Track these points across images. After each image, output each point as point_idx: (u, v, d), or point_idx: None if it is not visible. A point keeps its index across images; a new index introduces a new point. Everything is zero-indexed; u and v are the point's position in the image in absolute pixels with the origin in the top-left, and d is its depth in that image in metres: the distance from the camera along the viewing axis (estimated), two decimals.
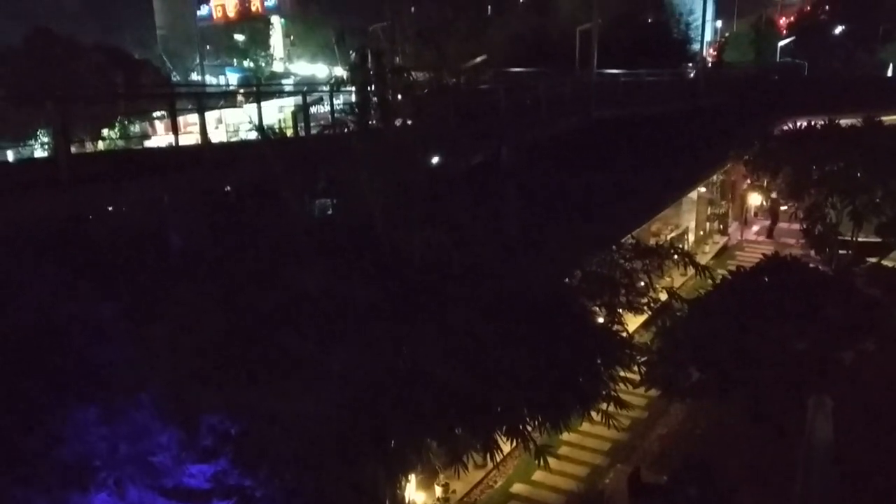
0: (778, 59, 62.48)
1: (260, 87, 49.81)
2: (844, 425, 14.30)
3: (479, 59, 37.58)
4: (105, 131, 34.25)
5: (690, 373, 15.25)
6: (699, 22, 46.45)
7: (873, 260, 21.77)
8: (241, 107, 34.44)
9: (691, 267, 15.65)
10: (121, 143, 33.39)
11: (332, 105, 20.16)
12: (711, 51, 68.99)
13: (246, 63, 72.28)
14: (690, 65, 48.28)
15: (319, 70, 69.51)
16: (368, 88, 14.61)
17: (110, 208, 15.17)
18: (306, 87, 35.25)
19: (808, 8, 78.32)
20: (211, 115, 28.83)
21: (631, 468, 16.93)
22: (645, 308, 14.72)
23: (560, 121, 27.71)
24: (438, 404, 10.82)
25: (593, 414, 12.99)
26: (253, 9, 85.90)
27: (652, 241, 21.30)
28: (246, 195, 15.40)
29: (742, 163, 33.21)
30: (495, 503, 17.08)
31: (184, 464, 10.37)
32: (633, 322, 16.23)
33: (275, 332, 11.00)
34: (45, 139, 28.69)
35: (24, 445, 9.75)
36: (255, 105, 22.91)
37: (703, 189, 34.51)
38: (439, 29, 45.18)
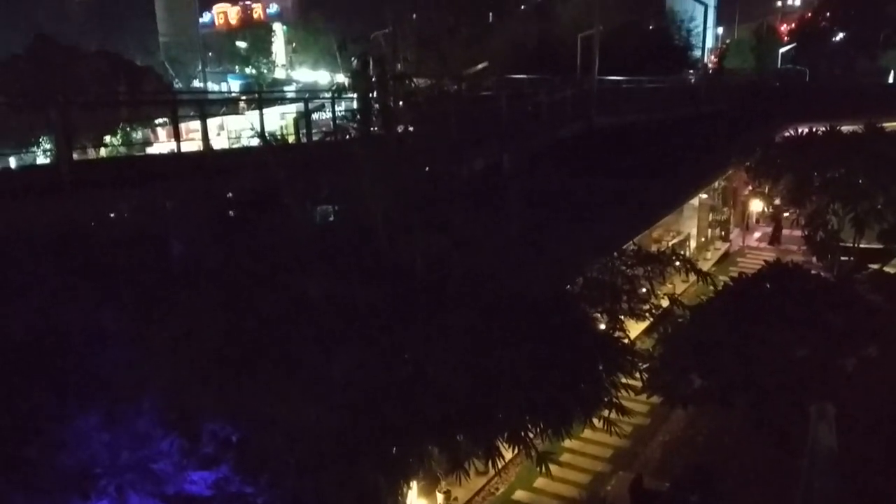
0: (779, 66, 62.55)
1: (262, 94, 49.88)
2: (846, 432, 14.27)
3: (480, 66, 37.61)
4: (107, 138, 34.33)
5: (692, 379, 15.22)
6: (700, 29, 46.57)
7: (875, 266, 21.72)
8: (242, 113, 34.55)
9: (693, 273, 15.65)
10: (123, 149, 33.46)
11: (333, 112, 20.20)
12: (713, 57, 69.00)
13: (248, 70, 72.52)
14: (692, 71, 48.36)
15: (321, 77, 69.76)
16: (370, 95, 14.64)
17: (112, 214, 15.18)
18: (308, 94, 35.30)
19: (810, 15, 78.55)
20: (213, 122, 28.93)
21: (633, 475, 16.90)
22: (646, 314, 14.70)
23: (561, 127, 27.72)
24: (440, 410, 10.81)
25: (595, 421, 12.97)
26: (255, 16, 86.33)
27: (653, 248, 21.37)
28: (248, 201, 15.42)
29: (743, 169, 33.25)
30: None
31: (185, 471, 10.35)
32: (634, 329, 16.21)
33: (276, 337, 11.00)
34: (48, 145, 28.80)
35: (26, 451, 9.74)
36: (256, 112, 22.96)
37: (704, 195, 34.51)
38: (441, 36, 45.27)
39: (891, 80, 61.75)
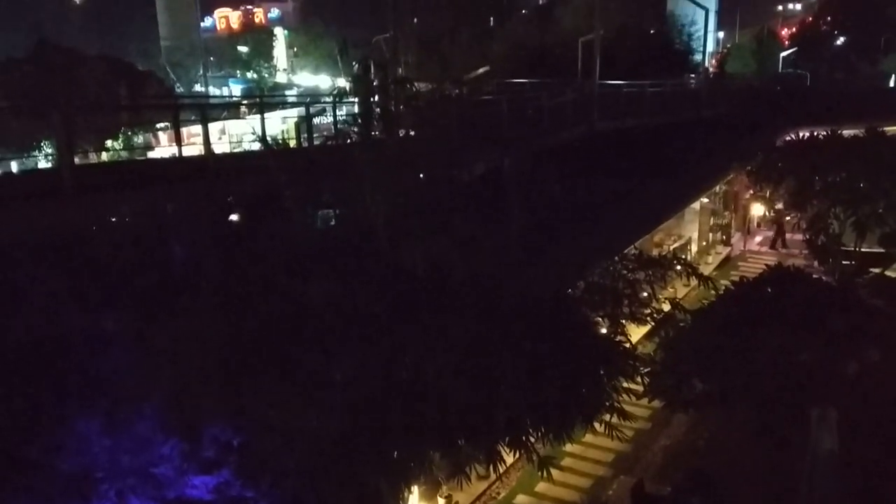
0: (780, 70, 62.58)
1: (263, 98, 49.95)
2: (848, 436, 14.26)
3: (481, 70, 37.73)
4: (109, 142, 34.35)
5: (694, 384, 15.19)
6: (701, 33, 46.60)
7: (876, 270, 21.68)
8: (244, 118, 34.54)
9: (694, 277, 15.66)
10: (124, 153, 33.47)
11: (335, 116, 20.23)
12: (714, 61, 69.11)
13: (249, 74, 72.61)
14: (693, 76, 48.38)
15: (322, 81, 69.83)
16: (371, 99, 14.66)
17: (114, 218, 15.21)
18: (309, 98, 35.29)
19: (811, 19, 78.62)
20: (214, 126, 28.91)
21: (634, 479, 16.88)
22: (648, 319, 14.70)
23: (563, 131, 27.74)
24: (441, 414, 10.80)
25: (596, 425, 12.95)
26: (256, 20, 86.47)
27: (655, 252, 21.35)
28: (249, 205, 15.44)
29: (745, 173, 33.22)
30: None
31: (186, 475, 10.34)
32: (635, 333, 16.21)
33: (277, 340, 11.00)
34: (49, 150, 28.82)
35: (26, 454, 9.74)
36: (258, 116, 22.97)
37: (705, 199, 34.50)
38: (442, 40, 45.36)
39: (892, 84, 61.76)
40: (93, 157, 29.82)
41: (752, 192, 34.82)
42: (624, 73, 35.86)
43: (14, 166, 28.00)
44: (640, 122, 32.38)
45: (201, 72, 67.18)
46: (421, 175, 14.36)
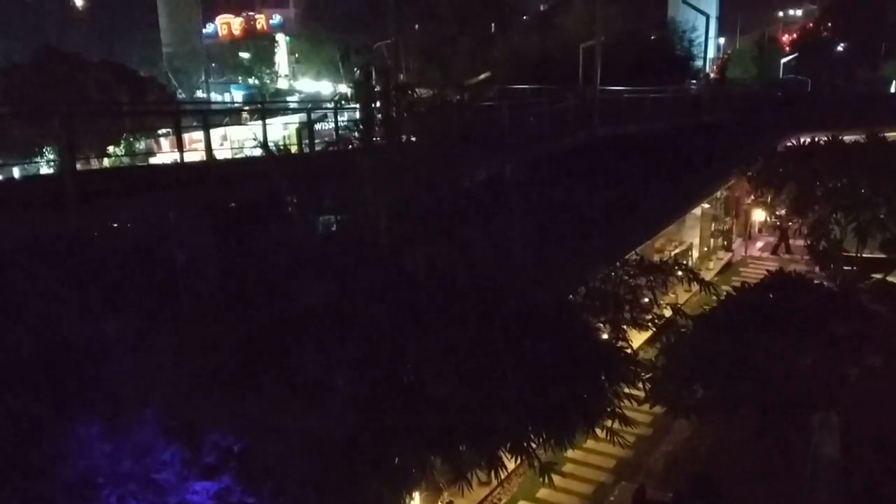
0: (781, 76, 62.65)
1: (265, 105, 50.04)
2: (850, 442, 14.24)
3: (482, 76, 37.76)
4: (110, 148, 34.42)
5: (695, 389, 15.21)
6: (702, 39, 46.68)
7: (878, 276, 21.71)
8: (245, 124, 34.60)
9: (695, 283, 15.65)
10: (126, 159, 33.52)
11: (336, 122, 20.24)
12: (714, 67, 69.19)
13: (251, 80, 72.71)
14: (694, 81, 48.44)
15: (324, 87, 69.98)
16: (373, 105, 14.69)
17: (115, 224, 15.22)
18: (311, 104, 35.38)
19: (811, 25, 78.79)
20: (216, 133, 28.98)
21: (636, 485, 16.85)
22: (649, 324, 14.70)
23: (564, 137, 27.75)
24: (442, 420, 10.80)
25: (598, 431, 12.95)
26: (258, 27, 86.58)
27: (656, 258, 21.36)
28: (250, 212, 15.45)
29: (746, 179, 33.24)
30: None
31: (187, 481, 10.34)
32: (637, 338, 16.20)
33: (278, 346, 11.01)
34: (51, 156, 28.89)
35: (28, 461, 9.74)
36: (259, 122, 23.01)
37: (707, 205, 34.50)
38: (443, 46, 45.41)
39: (892, 89, 61.84)
40: (94, 163, 29.88)
41: (753, 197, 34.82)
42: (625, 79, 35.90)
43: (16, 172, 28.06)
44: (642, 128, 32.39)
45: (203, 78, 67.37)
46: (422, 181, 14.37)
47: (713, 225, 36.12)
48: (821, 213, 28.10)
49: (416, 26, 53.71)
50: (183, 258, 14.17)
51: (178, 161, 16.40)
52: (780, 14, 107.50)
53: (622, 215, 23.28)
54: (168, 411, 10.37)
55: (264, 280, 12.18)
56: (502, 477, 14.17)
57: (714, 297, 16.39)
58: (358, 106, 15.59)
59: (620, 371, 13.12)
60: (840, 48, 68.26)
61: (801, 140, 32.21)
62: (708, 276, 27.33)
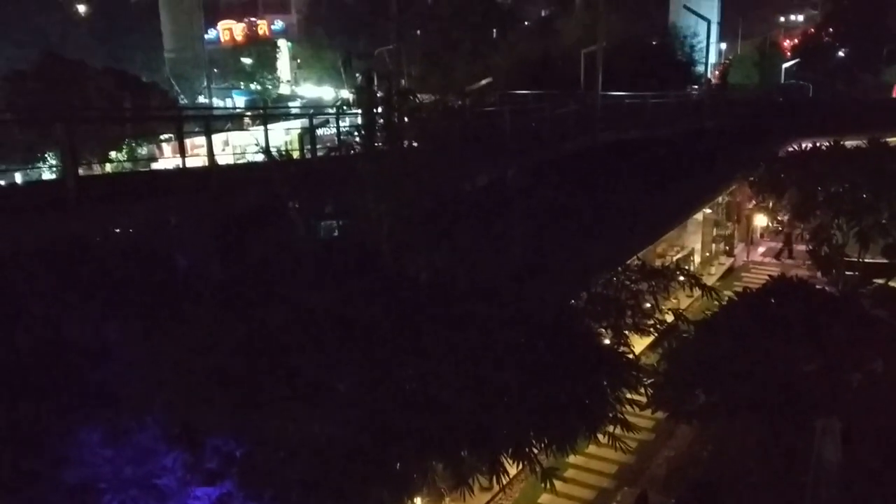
0: (782, 81, 62.65)
1: (267, 110, 50.04)
2: (852, 447, 14.21)
3: (484, 82, 37.79)
4: (113, 153, 34.43)
5: (697, 395, 15.19)
6: (703, 44, 46.67)
7: (880, 281, 21.70)
8: (247, 129, 34.63)
9: (697, 288, 15.64)
10: (128, 165, 33.55)
11: (338, 127, 20.29)
12: (716, 73, 69.22)
13: (253, 86, 72.81)
14: (695, 87, 48.46)
15: (326, 93, 70.06)
16: (374, 111, 14.71)
17: (117, 229, 15.24)
18: (313, 110, 35.39)
19: (813, 30, 78.80)
20: (218, 138, 28.93)
21: (638, 491, 16.84)
22: (651, 330, 14.68)
23: (565, 143, 27.78)
24: (444, 425, 10.79)
25: (600, 436, 12.94)
26: (260, 32, 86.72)
27: (658, 263, 21.34)
28: (252, 217, 15.47)
29: (747, 184, 33.25)
30: None
31: (189, 486, 10.33)
32: (639, 344, 16.18)
33: (280, 353, 11.01)
34: (54, 161, 28.90)
35: (29, 467, 9.74)
36: (261, 127, 23.02)
37: (708, 210, 34.51)
38: (445, 52, 45.49)
39: (894, 94, 61.80)
40: (97, 169, 29.91)
41: (754, 202, 34.81)
42: (626, 85, 35.95)
43: (18, 177, 28.09)
44: (643, 134, 32.42)
45: (205, 83, 67.39)
46: (424, 186, 14.39)
47: (715, 230, 36.14)
48: (822, 218, 28.08)
49: (418, 32, 53.83)
50: (185, 263, 14.18)
51: (181, 166, 16.45)
52: (782, 19, 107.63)
53: (624, 220, 23.28)
54: (169, 416, 10.38)
55: (266, 284, 12.19)
56: (504, 482, 14.15)
57: (716, 303, 16.38)
58: (360, 111, 15.63)
59: (622, 376, 13.11)
60: (841, 53, 68.27)
61: (803, 145, 32.21)
62: (710, 281, 27.28)
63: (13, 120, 28.52)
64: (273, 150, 16.51)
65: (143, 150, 36.32)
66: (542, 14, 72.59)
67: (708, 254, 35.48)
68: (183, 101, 60.21)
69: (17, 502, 9.57)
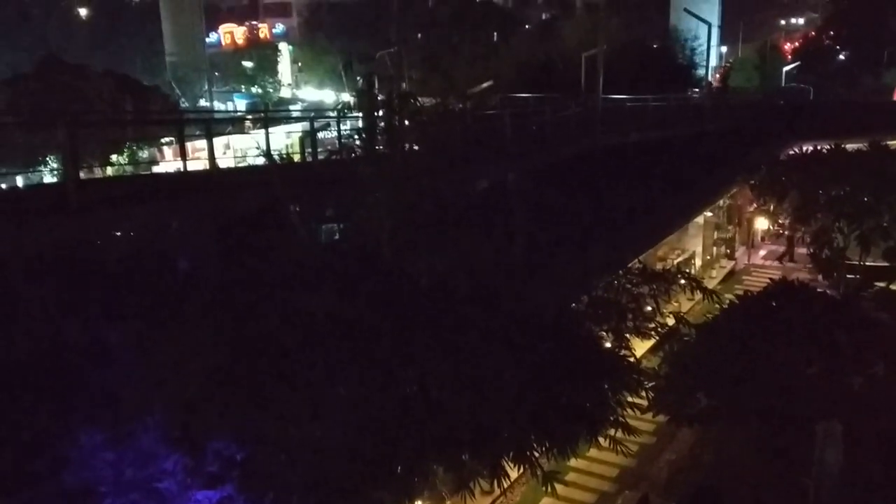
0: (783, 84, 62.63)
1: (268, 113, 50.06)
2: (854, 451, 14.17)
3: (485, 85, 37.86)
4: (114, 157, 34.44)
5: (698, 398, 15.17)
6: (704, 47, 46.70)
7: (881, 284, 21.66)
8: (248, 132, 34.66)
9: (698, 291, 15.63)
10: (129, 168, 33.56)
11: (339, 130, 20.29)
12: (717, 76, 69.22)
13: (254, 89, 72.84)
14: (696, 90, 48.47)
15: (327, 96, 70.06)
16: (375, 114, 14.72)
17: (118, 233, 15.25)
18: (314, 113, 35.41)
19: (813, 33, 78.83)
20: (219, 141, 28.96)
21: (639, 495, 16.82)
22: (652, 333, 14.67)
23: (566, 146, 27.80)
24: (445, 429, 10.78)
25: (601, 440, 12.92)
26: (261, 36, 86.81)
27: (659, 266, 21.31)
28: (253, 220, 15.48)
29: (748, 187, 33.22)
30: None
31: (189, 490, 10.33)
32: (640, 347, 16.17)
33: (281, 355, 11.00)
34: (55, 164, 28.92)
35: (30, 469, 9.74)
36: (262, 131, 23.03)
37: (709, 213, 34.49)
38: (446, 55, 45.55)
39: (895, 97, 61.78)
40: (98, 172, 29.90)
41: (755, 205, 34.77)
42: (627, 88, 35.98)
43: (19, 181, 28.09)
44: (644, 137, 32.42)
45: (206, 87, 67.46)
46: (425, 189, 14.39)
47: (716, 233, 36.11)
48: (824, 221, 28.04)
49: (419, 35, 53.90)
50: (185, 266, 14.19)
51: (182, 169, 16.45)
52: (783, 22, 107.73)
53: (625, 224, 23.28)
54: (171, 419, 10.37)
55: (267, 287, 12.19)
56: (505, 486, 14.12)
57: (717, 306, 16.36)
58: (361, 115, 15.64)
59: (623, 379, 13.10)
60: (842, 56, 68.29)
61: (804, 148, 32.16)
62: (711, 284, 27.27)
63: (14, 123, 28.54)
64: (274, 153, 16.53)
65: (144, 154, 36.32)
66: (543, 17, 72.72)
67: (709, 257, 35.45)
68: (184, 104, 60.24)
69: None
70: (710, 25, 43.38)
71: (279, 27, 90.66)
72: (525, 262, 15.70)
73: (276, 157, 15.96)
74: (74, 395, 10.36)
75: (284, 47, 79.37)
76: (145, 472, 10.17)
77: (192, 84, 68.56)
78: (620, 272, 15.23)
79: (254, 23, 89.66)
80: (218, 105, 66.28)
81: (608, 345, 13.93)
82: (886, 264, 27.03)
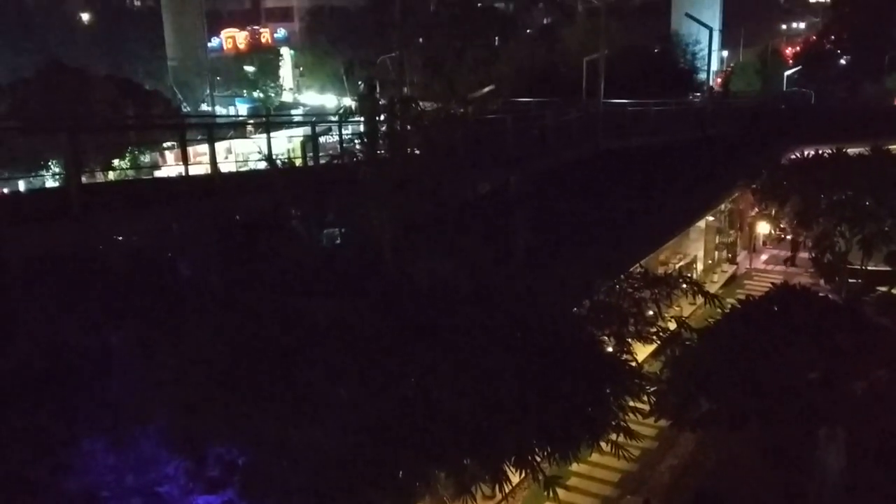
0: (784, 89, 62.68)
1: (269, 118, 50.19)
2: (856, 456, 14.17)
3: (486, 90, 37.85)
4: (116, 161, 34.55)
5: (700, 403, 15.15)
6: (705, 52, 46.71)
7: (883, 288, 21.65)
8: (250, 137, 34.77)
9: (700, 296, 15.61)
10: (131, 172, 33.65)
11: (340, 135, 20.33)
12: (718, 80, 69.25)
13: (255, 94, 73.07)
14: (697, 94, 48.48)
15: (328, 100, 70.26)
16: (377, 118, 14.73)
17: (120, 237, 15.26)
18: (315, 118, 35.50)
19: (815, 38, 78.94)
20: (221, 146, 29.07)
21: (641, 499, 16.79)
22: (654, 337, 14.64)
23: (568, 150, 27.80)
24: (446, 434, 10.77)
25: (603, 444, 12.90)
26: (263, 40, 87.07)
27: (660, 270, 21.33)
28: (255, 225, 15.49)
29: (750, 191, 33.22)
30: None
31: (191, 494, 10.32)
32: (641, 351, 16.13)
33: (283, 360, 11.00)
34: (57, 169, 29.01)
35: (32, 475, 9.73)
36: (264, 135, 23.08)
37: (711, 218, 34.47)
38: (447, 59, 45.60)
39: None
40: (100, 177, 30.00)
41: (757, 210, 34.78)
42: (628, 93, 35.97)
43: (22, 185, 28.17)
44: (645, 141, 32.42)
45: (208, 91, 67.67)
46: (426, 194, 14.39)
47: (717, 237, 36.07)
48: (825, 225, 28.04)
49: (421, 40, 53.96)
50: (187, 270, 14.20)
51: (183, 174, 16.46)
52: (784, 27, 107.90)
53: (626, 228, 23.28)
54: (172, 424, 10.37)
55: (268, 292, 12.19)
56: (506, 490, 14.08)
57: (719, 310, 16.32)
58: (362, 119, 15.64)
59: (625, 384, 13.08)
60: (843, 61, 68.36)
61: (805, 153, 32.17)
62: (712, 288, 27.24)
63: (17, 128, 28.62)
64: (276, 157, 16.54)
65: (145, 158, 36.44)
66: (545, 22, 72.80)
67: (710, 261, 35.42)
68: (186, 108, 60.44)
69: None
70: (711, 30, 43.38)
71: (281, 32, 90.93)
72: (526, 265, 15.70)
73: (278, 162, 15.94)
74: (76, 400, 10.36)
75: (286, 52, 79.65)
76: (147, 477, 10.17)
77: (194, 88, 68.79)
78: (622, 276, 15.21)
79: (255, 27, 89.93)
80: (220, 109, 66.51)
81: (610, 349, 13.91)
82: (888, 269, 27.01)
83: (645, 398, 14.09)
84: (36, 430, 9.95)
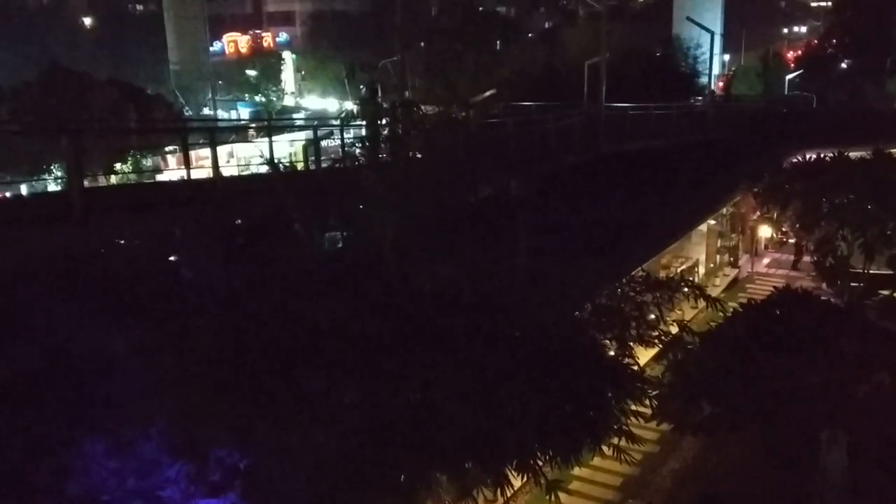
0: (786, 92, 62.65)
1: (271, 122, 50.23)
2: (859, 459, 14.14)
3: (488, 94, 37.84)
4: (118, 165, 34.58)
5: (702, 406, 15.13)
6: (707, 55, 46.74)
7: (885, 292, 21.62)
8: (252, 141, 34.77)
9: (702, 299, 15.60)
10: (133, 176, 33.70)
11: (342, 139, 20.32)
12: (720, 84, 69.25)
13: (257, 98, 73.12)
14: (699, 98, 48.47)
15: (330, 104, 70.29)
16: (379, 122, 14.74)
17: (122, 241, 15.28)
18: (317, 122, 35.52)
19: (816, 41, 78.89)
20: (223, 150, 29.08)
21: (643, 503, 16.75)
22: (656, 341, 14.62)
23: (569, 154, 27.81)
24: (448, 437, 10.76)
25: (604, 448, 12.88)
26: (265, 44, 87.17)
27: (662, 274, 21.30)
28: (257, 228, 15.50)
29: (752, 195, 33.21)
30: None
31: (192, 498, 10.31)
32: (643, 355, 16.11)
33: (284, 363, 11.00)
34: (59, 173, 29.01)
35: (33, 478, 9.73)
36: (266, 139, 23.09)
37: (712, 221, 34.46)
38: (449, 63, 45.58)
39: None
40: (102, 180, 30.01)
41: (759, 213, 34.76)
42: (630, 96, 35.97)
43: (24, 189, 28.21)
44: (647, 145, 32.42)
45: (210, 95, 67.69)
46: (428, 197, 14.40)
47: (719, 241, 36.07)
48: (827, 229, 28.02)
49: (422, 44, 53.98)
50: (189, 274, 14.21)
51: (185, 178, 16.48)
52: (785, 31, 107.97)
53: (628, 232, 23.27)
54: (174, 428, 10.37)
55: (270, 296, 12.19)
56: (508, 495, 14.05)
57: (720, 314, 16.32)
58: (364, 123, 15.66)
59: (627, 388, 13.07)
60: (844, 65, 68.31)
61: (807, 156, 32.16)
62: (714, 292, 27.22)
63: (19, 132, 28.67)
64: (277, 161, 16.55)
65: (147, 162, 36.47)
66: (546, 26, 72.87)
67: (712, 265, 35.41)
68: (188, 112, 60.46)
69: None
70: (712, 34, 43.40)
71: (283, 36, 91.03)
72: (528, 269, 15.69)
73: (280, 166, 15.96)
74: (78, 404, 10.36)
75: (288, 56, 79.71)
76: (148, 481, 10.16)
77: (196, 93, 68.84)
78: (624, 280, 15.21)
79: (257, 31, 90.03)
80: (221, 114, 66.52)
81: (611, 352, 13.90)
82: (890, 272, 26.98)
83: (647, 402, 14.08)
84: (38, 433, 9.95)
